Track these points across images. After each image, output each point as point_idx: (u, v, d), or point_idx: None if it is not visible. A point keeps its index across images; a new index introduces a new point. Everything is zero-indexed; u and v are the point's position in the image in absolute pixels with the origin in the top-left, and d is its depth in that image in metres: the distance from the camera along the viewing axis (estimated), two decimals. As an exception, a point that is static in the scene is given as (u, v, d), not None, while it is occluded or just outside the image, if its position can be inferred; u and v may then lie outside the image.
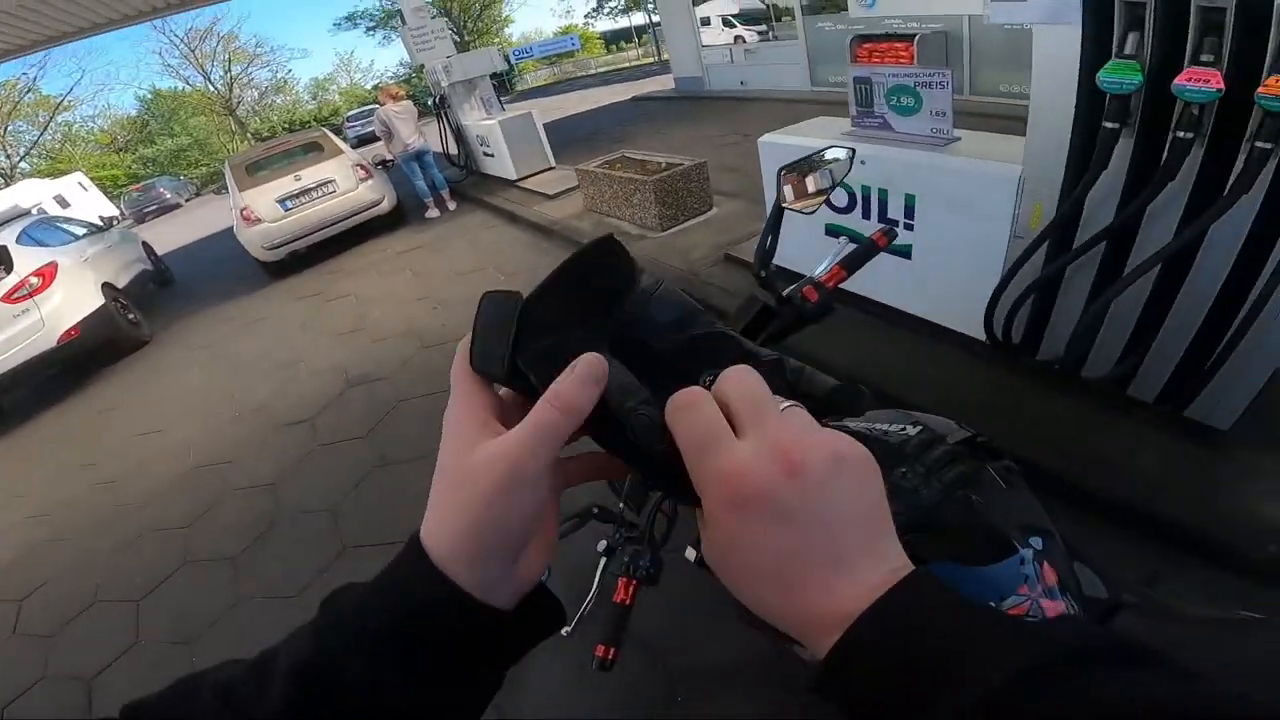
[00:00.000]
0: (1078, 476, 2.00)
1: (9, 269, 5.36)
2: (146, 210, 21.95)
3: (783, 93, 9.87)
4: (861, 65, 2.59)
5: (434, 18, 8.49)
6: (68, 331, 5.39)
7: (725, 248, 4.17)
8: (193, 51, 31.90)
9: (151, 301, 7.82)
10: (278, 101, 37.32)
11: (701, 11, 14.64)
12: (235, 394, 4.51)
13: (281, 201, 6.81)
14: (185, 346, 5.96)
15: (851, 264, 0.94)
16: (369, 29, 34.16)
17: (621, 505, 0.95)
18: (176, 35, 30.86)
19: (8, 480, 4.41)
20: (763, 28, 15.64)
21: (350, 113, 28.72)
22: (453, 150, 8.72)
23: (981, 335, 2.45)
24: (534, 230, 6.06)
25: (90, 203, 16.69)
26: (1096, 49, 1.77)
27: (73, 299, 5.60)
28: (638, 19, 34.67)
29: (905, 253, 2.75)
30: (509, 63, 30.21)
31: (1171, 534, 1.82)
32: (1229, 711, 0.21)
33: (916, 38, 7.04)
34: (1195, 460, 1.97)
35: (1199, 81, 1.53)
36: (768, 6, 12.42)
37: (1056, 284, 2.19)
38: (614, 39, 39.72)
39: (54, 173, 23.26)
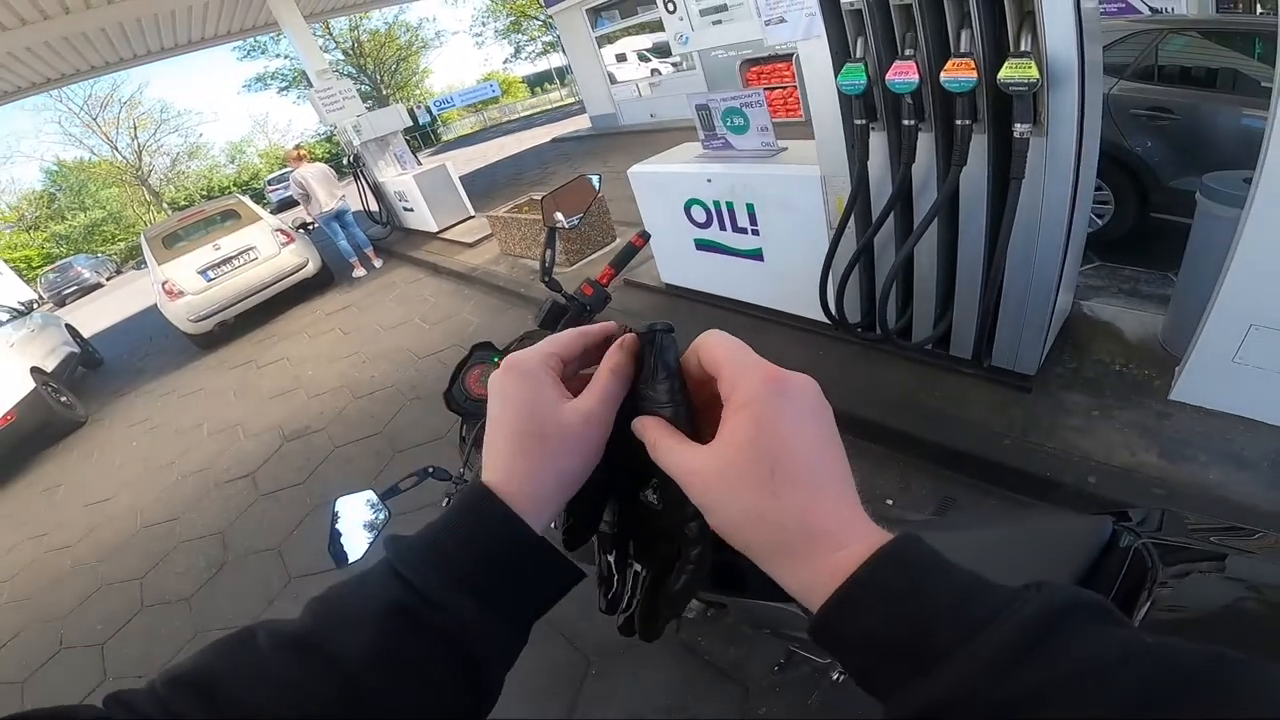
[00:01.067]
0: (915, 430, 2.40)
1: None
2: (66, 292, 20.97)
3: (689, 121, 10.40)
4: (736, 90, 3.00)
5: (340, 77, 8.58)
6: (4, 417, 5.46)
7: (626, 274, 4.64)
8: (94, 119, 30.79)
9: (83, 383, 7.82)
10: (192, 167, 36.27)
11: (618, 48, 15.32)
12: (176, 461, 4.71)
13: (203, 272, 6.83)
14: (122, 423, 6.07)
15: (618, 264, 1.25)
16: (281, 89, 33.73)
17: (463, 469, 1.21)
18: (75, 103, 29.84)
19: None
20: (677, 59, 16.30)
21: (271, 176, 27.85)
22: (373, 207, 8.91)
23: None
24: (456, 279, 6.42)
25: (4, 286, 16.06)
26: (841, 57, 2.11)
27: (3, 386, 5.67)
28: (557, 60, 35.52)
29: (758, 255, 3.18)
30: (430, 114, 30.45)
31: (1002, 474, 2.16)
32: (1185, 653, 0.24)
33: (794, 56, 7.47)
34: (1012, 404, 2.36)
35: (901, 74, 1.89)
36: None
37: (870, 258, 2.56)
38: (538, 81, 40.49)
39: (-38, 257, 22.13)
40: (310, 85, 8.13)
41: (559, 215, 1.34)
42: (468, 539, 0.36)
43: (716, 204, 3.21)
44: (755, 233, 3.12)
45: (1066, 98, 1.77)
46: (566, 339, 0.42)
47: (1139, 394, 2.30)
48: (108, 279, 23.67)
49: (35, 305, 8.10)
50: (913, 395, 2.59)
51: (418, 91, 37.14)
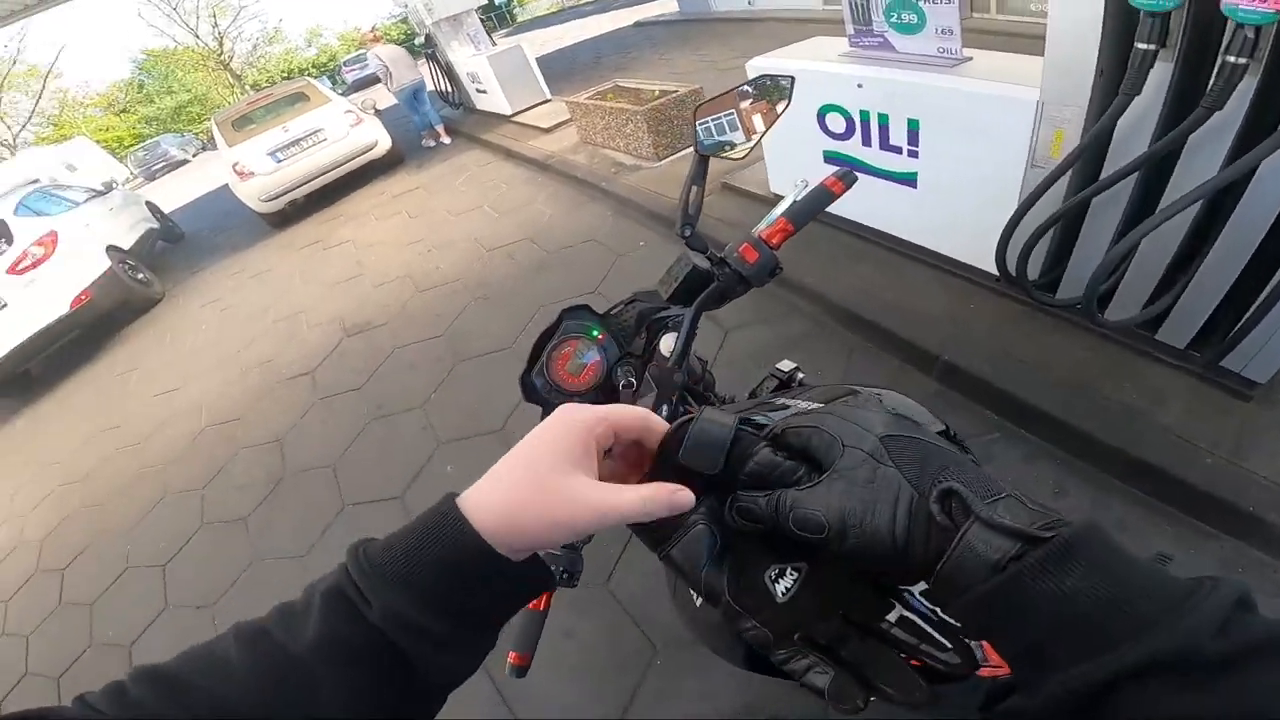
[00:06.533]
0: (1092, 428, 1.84)
1: (9, 241, 5.42)
2: (155, 168, 22.08)
3: (792, 12, 9.16)
4: None
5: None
6: (79, 296, 5.49)
7: (723, 176, 3.99)
8: (174, 9, 30.42)
9: (163, 258, 7.98)
10: (273, 52, 36.59)
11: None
12: (241, 350, 4.58)
13: (272, 154, 6.80)
14: (196, 302, 6.07)
15: (800, 216, 0.81)
16: (360, -34, 32.64)
17: None
18: (150, -7, 29.57)
19: (43, 447, 4.59)
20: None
21: (346, 58, 28.21)
22: (446, 89, 8.56)
23: (992, 269, 2.28)
24: (529, 165, 5.92)
25: (97, 165, 16.58)
26: None
27: (79, 265, 5.68)
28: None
29: (910, 180, 2.59)
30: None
31: (1192, 498, 1.65)
32: None
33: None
34: (1224, 413, 1.77)
35: (1255, 1, 1.30)
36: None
37: (1080, 217, 1.98)
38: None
39: (59, 139, 23.08)
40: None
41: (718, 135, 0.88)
42: (418, 542, 0.36)
43: (865, 114, 2.58)
44: (913, 154, 2.49)
45: None
46: (628, 417, 0.42)
47: None
48: (194, 155, 24.52)
49: (115, 184, 8.08)
50: (1091, 380, 1.97)
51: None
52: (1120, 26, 1.60)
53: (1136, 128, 1.68)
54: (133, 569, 2.95)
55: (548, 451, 0.38)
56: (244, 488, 3.13)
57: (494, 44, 8.21)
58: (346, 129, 7.15)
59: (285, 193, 6.95)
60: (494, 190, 5.69)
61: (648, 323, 0.81)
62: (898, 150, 2.56)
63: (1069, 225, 2.05)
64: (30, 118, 27.01)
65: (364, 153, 7.29)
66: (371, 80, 8.14)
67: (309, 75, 16.87)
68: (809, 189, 0.82)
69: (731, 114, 0.89)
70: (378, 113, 7.69)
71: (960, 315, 2.39)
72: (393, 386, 3.37)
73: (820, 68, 2.67)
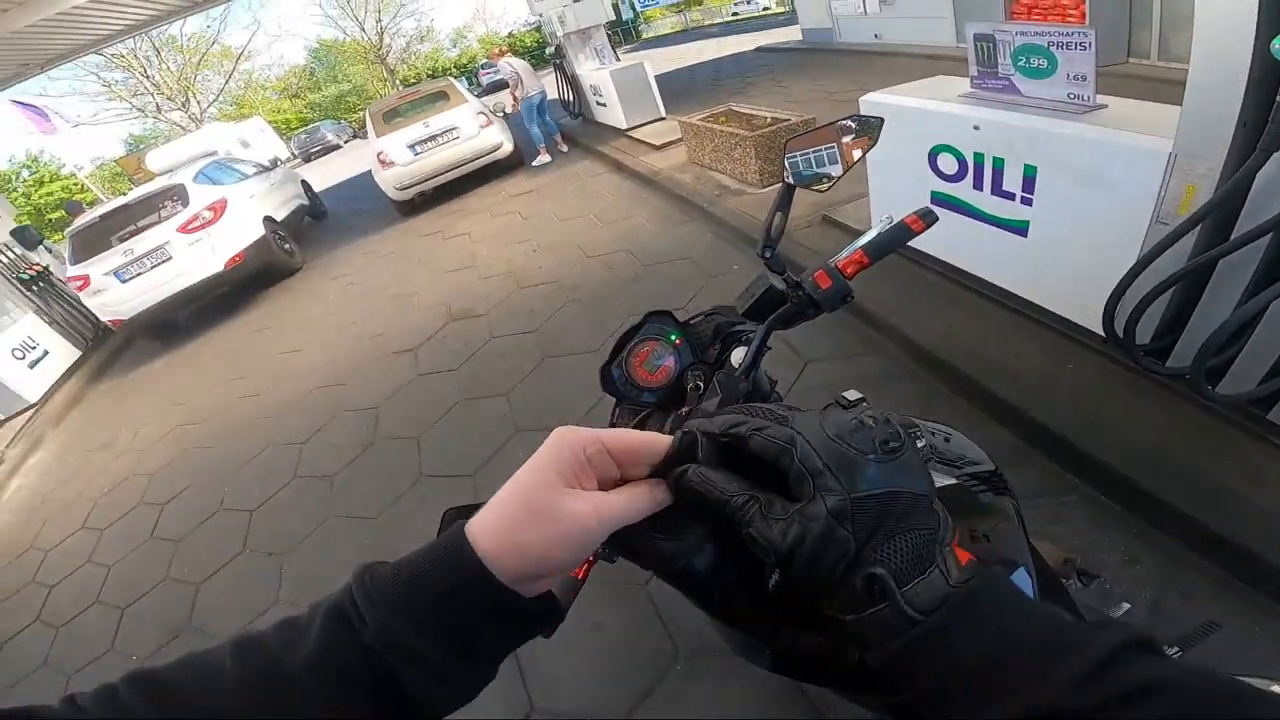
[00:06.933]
0: (1176, 499, 1.76)
1: (186, 203, 6.31)
2: (312, 150, 24.56)
3: (922, 48, 8.82)
4: (1010, 22, 2.37)
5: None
6: (233, 258, 6.29)
7: (824, 208, 4.00)
8: (348, 2, 33.82)
9: (307, 233, 8.84)
10: (422, 49, 39.78)
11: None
12: (359, 321, 5.07)
13: (411, 146, 7.38)
14: (328, 275, 6.74)
15: (877, 250, 0.87)
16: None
17: None
18: (335, -15, 32.91)
19: (175, 388, 5.29)
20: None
21: (484, 61, 30.18)
22: (569, 98, 8.99)
23: (1098, 328, 2.16)
24: (637, 180, 6.13)
25: (267, 144, 18.55)
26: (1277, 8, 1.46)
27: (238, 230, 6.48)
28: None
29: (1020, 229, 2.52)
30: (634, 10, 29.97)
31: (1269, 576, 1.57)
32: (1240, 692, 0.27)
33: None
34: None
35: None
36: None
37: (1204, 280, 1.87)
38: (745, -15, 37.82)
39: (238, 117, 26.12)
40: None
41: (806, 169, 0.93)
42: (421, 567, 0.37)
43: (979, 157, 2.54)
44: (1026, 201, 2.43)
45: None
46: (627, 442, 0.42)
47: None
48: (345, 142, 27.05)
49: (278, 162, 9.12)
50: (1186, 453, 1.88)
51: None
52: (1265, 78, 1.54)
53: (1275, 186, 1.59)
54: (224, 511, 3.30)
55: (541, 472, 0.39)
56: (337, 447, 3.46)
57: (618, 59, 8.53)
58: (477, 129, 7.63)
59: (418, 183, 7.56)
60: (600, 200, 5.95)
61: (723, 334, 0.88)
62: (1010, 196, 2.49)
63: (1190, 288, 1.93)
64: (218, 96, 30.63)
65: (490, 153, 7.77)
66: (502, 85, 8.83)
67: (450, 75, 18.29)
68: (892, 224, 0.88)
69: (833, 147, 0.94)
70: (505, 117, 8.20)
71: (1055, 373, 2.30)
72: (483, 372, 3.63)
73: (935, 107, 2.66)
